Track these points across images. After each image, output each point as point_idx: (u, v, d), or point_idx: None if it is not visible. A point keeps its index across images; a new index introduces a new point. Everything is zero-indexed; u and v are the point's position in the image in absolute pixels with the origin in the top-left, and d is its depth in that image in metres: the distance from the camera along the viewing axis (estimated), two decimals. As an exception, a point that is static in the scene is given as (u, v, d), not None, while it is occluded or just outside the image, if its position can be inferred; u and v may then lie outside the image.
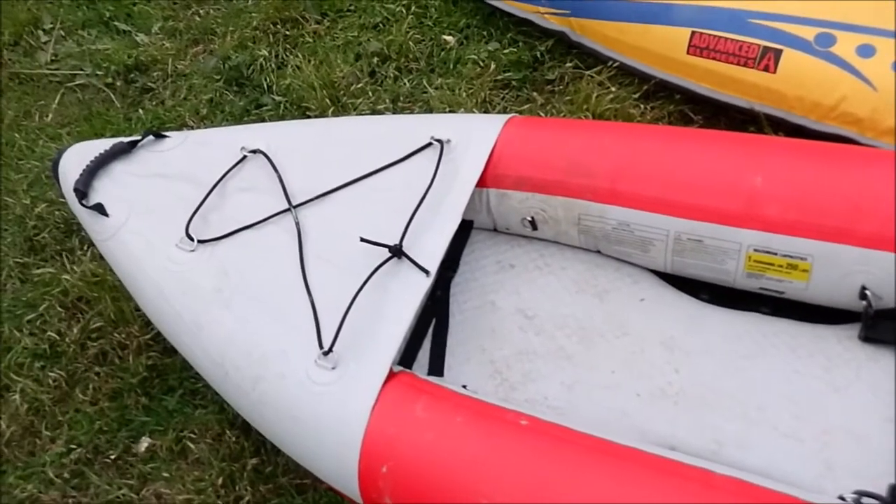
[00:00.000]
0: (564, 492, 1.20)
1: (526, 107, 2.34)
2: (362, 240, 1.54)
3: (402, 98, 2.45)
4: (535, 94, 2.37)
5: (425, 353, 1.66)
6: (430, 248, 1.55)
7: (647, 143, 1.62)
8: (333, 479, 1.43)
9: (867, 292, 1.45)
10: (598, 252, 1.73)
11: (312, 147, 1.80)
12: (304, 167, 1.75)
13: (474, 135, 1.70)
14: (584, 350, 1.62)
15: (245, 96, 2.60)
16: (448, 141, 1.68)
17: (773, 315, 1.60)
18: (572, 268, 1.74)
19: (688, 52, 2.05)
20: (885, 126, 1.83)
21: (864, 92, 1.83)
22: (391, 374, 1.40)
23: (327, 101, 2.43)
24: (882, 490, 1.28)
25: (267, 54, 2.66)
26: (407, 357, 1.65)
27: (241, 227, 1.66)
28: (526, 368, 1.61)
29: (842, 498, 1.26)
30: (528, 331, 1.66)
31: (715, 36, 2.00)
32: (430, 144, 1.69)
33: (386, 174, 1.69)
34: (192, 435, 1.87)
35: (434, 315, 1.70)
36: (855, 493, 1.26)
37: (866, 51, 1.84)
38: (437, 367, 1.63)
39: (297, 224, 1.63)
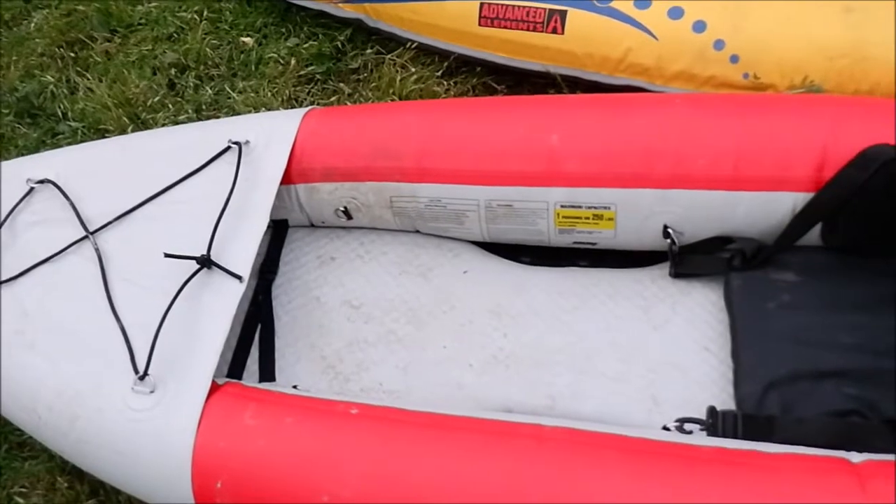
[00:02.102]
0: (401, 471, 1.20)
1: (333, 98, 2.31)
2: (167, 255, 1.47)
3: (205, 107, 2.37)
4: (341, 84, 2.35)
5: (255, 360, 1.61)
6: (241, 254, 1.49)
7: (448, 118, 1.63)
8: (172, 507, 1.36)
9: (669, 231, 1.51)
10: (417, 232, 1.73)
11: (107, 168, 1.71)
12: (100, 190, 1.65)
13: (273, 132, 1.65)
14: (415, 330, 1.62)
15: (39, 127, 2.44)
16: (246, 142, 1.63)
17: (591, 267, 1.65)
18: (393, 251, 1.73)
19: (480, 24, 2.07)
20: (670, 72, 1.91)
21: (647, 42, 1.91)
22: (215, 387, 1.35)
23: (125, 119, 2.32)
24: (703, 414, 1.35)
25: (56, 80, 2.51)
26: (236, 367, 1.59)
27: (36, 262, 1.55)
28: (358, 358, 1.59)
29: (665, 428, 1.31)
30: (356, 320, 1.64)
31: (503, 5, 2.03)
32: (228, 149, 1.63)
33: (186, 185, 1.62)
34: (23, 489, 1.74)
35: (259, 321, 1.66)
36: (677, 420, 1.33)
37: (643, 3, 1.92)
38: (267, 373, 1.59)
39: (97, 250, 1.54)
